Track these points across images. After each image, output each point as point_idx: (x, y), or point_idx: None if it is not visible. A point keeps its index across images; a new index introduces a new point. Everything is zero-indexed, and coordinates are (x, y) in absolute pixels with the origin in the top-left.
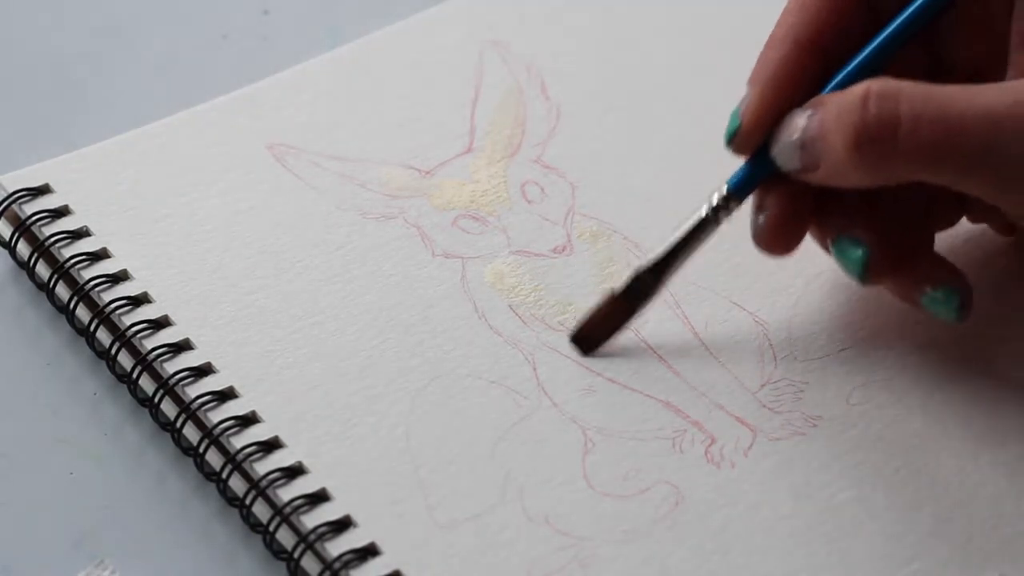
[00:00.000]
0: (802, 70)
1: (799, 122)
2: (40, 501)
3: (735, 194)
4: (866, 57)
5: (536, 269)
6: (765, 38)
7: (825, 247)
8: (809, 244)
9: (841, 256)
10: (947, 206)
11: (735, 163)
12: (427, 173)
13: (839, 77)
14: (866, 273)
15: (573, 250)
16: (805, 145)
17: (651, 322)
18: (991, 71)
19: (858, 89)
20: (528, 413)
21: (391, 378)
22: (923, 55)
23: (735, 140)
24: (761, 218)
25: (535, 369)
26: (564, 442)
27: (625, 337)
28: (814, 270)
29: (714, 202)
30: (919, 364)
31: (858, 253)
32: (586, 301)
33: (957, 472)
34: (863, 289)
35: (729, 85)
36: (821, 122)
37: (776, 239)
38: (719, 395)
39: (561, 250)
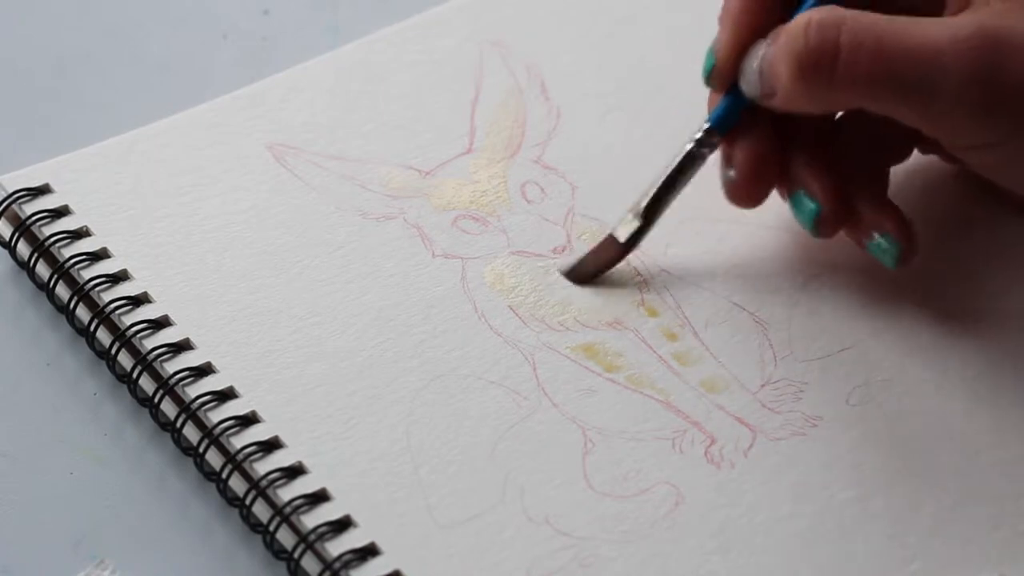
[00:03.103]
0: (768, 3)
1: (759, 50)
2: (40, 501)
3: (716, 128)
4: None
5: (536, 269)
6: None
7: (786, 200)
8: (811, 243)
9: (796, 210)
10: (899, 139)
11: None
12: (427, 173)
13: (803, 8)
14: (816, 228)
15: (573, 250)
16: (762, 72)
17: (651, 322)
18: (931, 6)
19: (802, 18)
20: (528, 413)
21: (391, 378)
22: None
23: (711, 76)
24: (730, 172)
25: (535, 369)
26: (564, 442)
27: (625, 337)
28: (814, 270)
29: (697, 136)
30: (919, 364)
31: (811, 207)
32: (586, 301)
33: (957, 472)
34: (863, 290)
35: None
36: (774, 50)
37: (745, 191)
38: (719, 395)
39: (561, 250)
